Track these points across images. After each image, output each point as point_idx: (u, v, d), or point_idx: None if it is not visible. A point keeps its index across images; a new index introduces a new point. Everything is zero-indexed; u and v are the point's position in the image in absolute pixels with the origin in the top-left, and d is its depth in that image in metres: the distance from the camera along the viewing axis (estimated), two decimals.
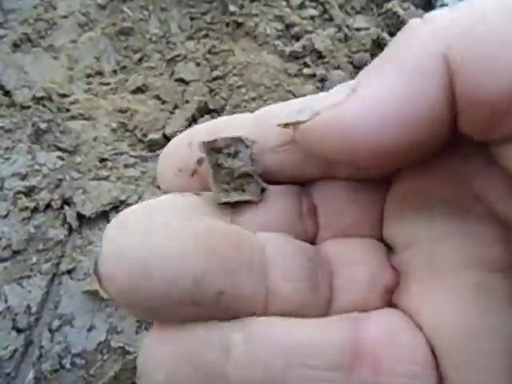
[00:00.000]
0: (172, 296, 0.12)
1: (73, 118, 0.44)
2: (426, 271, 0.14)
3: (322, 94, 0.14)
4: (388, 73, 0.12)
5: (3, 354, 0.34)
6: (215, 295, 0.12)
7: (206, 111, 0.47)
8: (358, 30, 0.54)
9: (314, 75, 0.50)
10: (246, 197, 0.15)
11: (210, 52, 0.51)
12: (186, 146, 0.16)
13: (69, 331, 0.36)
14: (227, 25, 0.52)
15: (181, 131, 0.17)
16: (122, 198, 0.40)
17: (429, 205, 0.15)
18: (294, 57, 0.51)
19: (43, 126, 0.41)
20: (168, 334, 0.13)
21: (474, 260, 0.13)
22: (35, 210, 0.38)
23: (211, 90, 0.49)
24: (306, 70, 0.50)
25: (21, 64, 0.45)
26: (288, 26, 0.53)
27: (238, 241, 0.13)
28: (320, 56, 0.52)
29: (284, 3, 0.53)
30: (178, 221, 0.13)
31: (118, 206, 0.40)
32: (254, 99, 0.47)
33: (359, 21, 0.55)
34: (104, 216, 0.39)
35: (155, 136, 0.45)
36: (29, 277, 0.37)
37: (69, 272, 0.38)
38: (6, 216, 0.38)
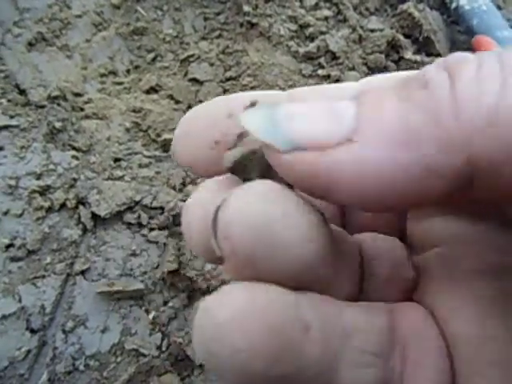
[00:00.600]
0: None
1: (87, 117, 0.44)
2: (447, 274, 0.14)
3: (296, 106, 0.12)
4: (394, 147, 0.10)
5: (17, 354, 0.34)
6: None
7: None
8: (373, 31, 0.53)
9: (328, 76, 0.50)
10: None
11: (223, 52, 0.51)
12: (225, 117, 0.15)
13: (82, 332, 0.36)
14: (241, 25, 0.52)
15: None
16: (137, 198, 0.39)
17: (455, 209, 0.15)
18: (308, 58, 0.51)
19: (58, 125, 0.41)
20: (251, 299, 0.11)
21: (495, 267, 0.13)
22: (50, 209, 0.38)
23: (225, 91, 0.48)
24: (320, 71, 0.50)
25: (36, 63, 0.45)
26: (302, 27, 0.52)
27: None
28: (334, 57, 0.51)
29: (298, 4, 0.53)
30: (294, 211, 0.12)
31: (132, 207, 0.40)
32: None
33: (373, 22, 0.54)
34: (118, 216, 0.39)
35: (169, 136, 0.45)
36: (43, 277, 0.36)
37: (83, 272, 0.37)
38: (20, 215, 0.37)
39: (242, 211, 0.11)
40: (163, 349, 0.36)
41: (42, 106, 0.42)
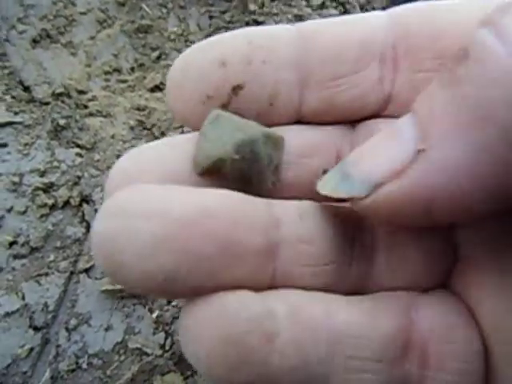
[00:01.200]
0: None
1: (91, 114, 0.44)
2: (490, 263, 0.13)
3: (359, 149, 0.11)
4: (466, 132, 0.09)
5: (20, 352, 0.34)
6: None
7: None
8: None
9: None
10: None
11: None
12: (218, 66, 0.13)
13: (86, 331, 0.36)
14: (247, 24, 0.52)
15: None
16: None
17: None
18: None
19: (62, 122, 0.41)
20: (202, 308, 0.11)
21: None
22: (53, 207, 0.38)
23: None
24: None
25: (40, 60, 0.45)
26: None
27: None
28: None
29: (304, 3, 0.53)
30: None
31: None
32: None
33: None
34: None
35: (173, 134, 0.45)
36: (46, 274, 0.36)
37: (86, 270, 0.37)
38: (24, 212, 0.37)
39: (96, 228, 0.11)
40: (166, 348, 0.36)
41: (46, 103, 0.42)
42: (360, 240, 0.13)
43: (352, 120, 0.15)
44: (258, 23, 0.51)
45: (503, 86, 0.09)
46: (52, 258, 0.37)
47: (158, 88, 0.48)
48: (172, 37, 0.51)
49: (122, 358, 0.35)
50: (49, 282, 0.36)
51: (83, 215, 0.38)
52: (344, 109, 0.14)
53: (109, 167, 0.41)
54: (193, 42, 0.51)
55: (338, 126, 0.15)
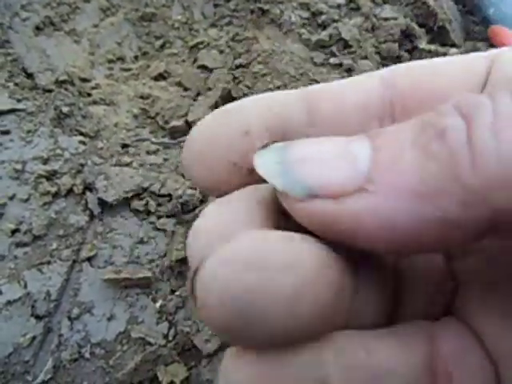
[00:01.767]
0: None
1: (94, 102, 0.43)
2: (489, 288, 0.13)
3: (308, 148, 0.12)
4: (415, 201, 0.10)
5: (22, 341, 0.33)
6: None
7: (229, 99, 0.46)
8: (386, 19, 0.52)
9: (340, 65, 0.49)
10: None
11: (233, 39, 0.50)
12: (241, 135, 0.13)
13: (88, 320, 0.35)
14: (252, 12, 0.51)
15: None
16: (145, 185, 0.39)
17: None
18: (320, 46, 0.50)
19: (65, 109, 0.40)
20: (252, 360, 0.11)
21: None
22: (56, 194, 0.37)
23: (235, 78, 0.48)
24: (332, 60, 0.49)
25: (43, 47, 0.44)
26: (314, 14, 0.51)
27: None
28: (347, 45, 0.50)
29: None
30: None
31: (140, 194, 0.39)
32: (278, 87, 0.46)
33: (387, 10, 0.53)
34: (126, 203, 0.38)
35: (177, 123, 0.44)
36: (49, 263, 0.36)
37: (89, 259, 0.37)
38: (26, 200, 0.37)
39: (218, 279, 0.10)
40: (170, 338, 0.36)
41: (50, 91, 0.41)
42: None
43: None
44: (263, 11, 0.50)
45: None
46: (54, 246, 0.36)
47: (161, 76, 0.47)
48: (176, 25, 0.50)
49: (125, 347, 0.35)
50: (51, 271, 0.36)
51: (86, 203, 0.38)
52: None
53: (112, 155, 0.40)
54: (197, 31, 0.51)
55: None
